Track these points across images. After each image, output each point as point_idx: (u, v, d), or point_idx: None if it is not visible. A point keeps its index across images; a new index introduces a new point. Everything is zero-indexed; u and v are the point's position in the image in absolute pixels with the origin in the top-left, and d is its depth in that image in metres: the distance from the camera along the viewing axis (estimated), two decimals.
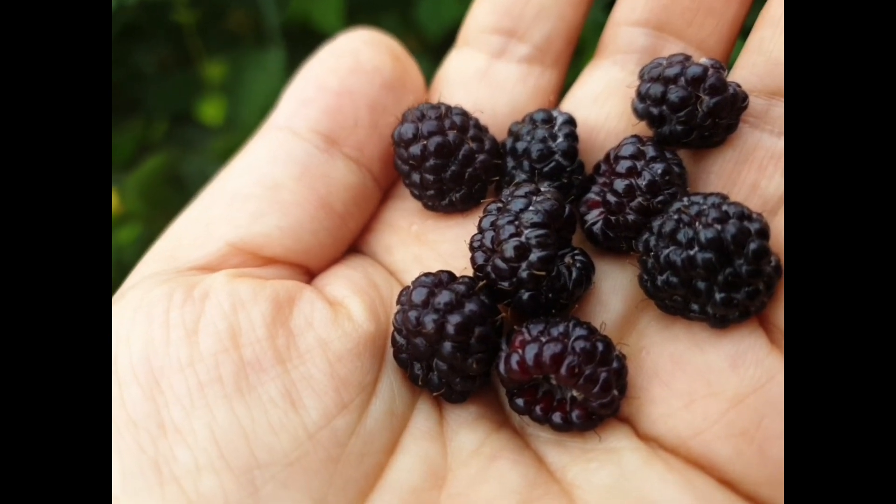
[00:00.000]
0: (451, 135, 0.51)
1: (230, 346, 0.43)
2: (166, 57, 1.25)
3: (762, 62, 0.50)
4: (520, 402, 0.46)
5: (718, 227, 0.43)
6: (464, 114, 0.53)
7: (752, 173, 0.49)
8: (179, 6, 1.09)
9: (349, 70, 0.54)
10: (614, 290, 0.50)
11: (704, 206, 0.44)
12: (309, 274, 0.53)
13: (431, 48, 1.22)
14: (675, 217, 0.45)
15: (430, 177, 0.51)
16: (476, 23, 0.58)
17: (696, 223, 0.44)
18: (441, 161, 0.51)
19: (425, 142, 0.51)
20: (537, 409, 0.46)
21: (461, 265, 0.50)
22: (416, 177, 0.52)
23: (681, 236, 0.44)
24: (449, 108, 0.53)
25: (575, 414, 0.45)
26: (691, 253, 0.43)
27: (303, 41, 1.17)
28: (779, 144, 0.49)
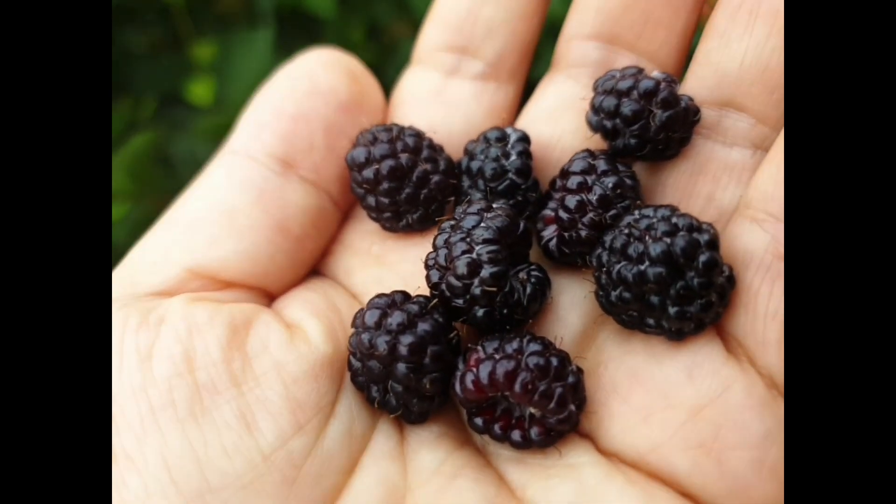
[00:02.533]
0: (404, 157, 0.51)
1: (185, 371, 0.43)
2: (156, 38, 1.25)
3: (710, 74, 0.50)
4: (478, 421, 0.46)
5: (668, 240, 0.43)
6: (417, 135, 0.53)
7: (707, 185, 0.50)
8: None
9: (304, 93, 0.54)
10: (573, 305, 0.50)
11: (654, 220, 0.44)
12: (269, 297, 0.53)
13: None
14: (626, 231, 0.45)
15: (385, 200, 0.51)
16: (427, 41, 0.58)
17: (646, 237, 0.44)
18: (395, 184, 0.51)
19: (378, 165, 0.51)
20: (496, 427, 0.46)
21: (422, 284, 0.50)
22: (371, 200, 0.52)
23: (631, 251, 0.44)
24: (402, 129, 0.53)
25: (534, 431, 0.45)
26: (642, 268, 0.43)
27: (294, 23, 1.18)
28: (731, 155, 0.50)
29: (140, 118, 1.17)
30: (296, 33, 1.19)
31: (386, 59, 1.19)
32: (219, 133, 1.04)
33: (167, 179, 1.09)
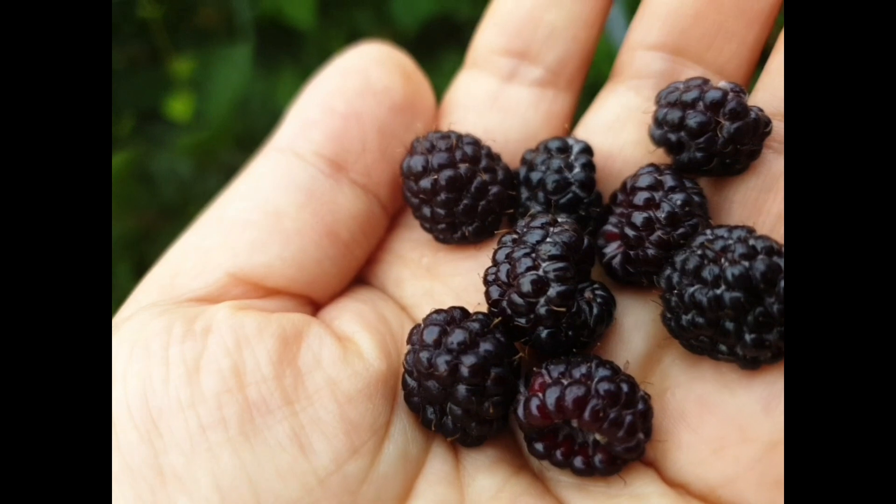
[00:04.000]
0: (463, 167, 0.49)
1: (234, 386, 0.41)
2: (135, 53, 1.25)
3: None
4: (539, 446, 0.44)
5: (746, 263, 0.41)
6: (475, 143, 0.51)
7: (778, 202, 0.47)
8: (144, 2, 1.10)
9: (357, 91, 0.52)
10: (636, 326, 0.48)
11: (730, 241, 0.42)
12: (314, 305, 0.51)
13: (406, 42, 1.21)
14: (699, 252, 0.43)
15: (441, 211, 0.49)
16: (485, 44, 0.56)
17: (722, 259, 0.42)
18: (453, 195, 0.49)
19: (436, 175, 0.49)
20: (558, 453, 0.44)
21: (475, 300, 0.48)
22: (426, 210, 0.50)
23: (706, 273, 0.42)
24: (460, 137, 0.51)
25: (598, 458, 0.43)
26: (718, 292, 0.41)
27: (273, 35, 1.18)
28: None
29: (119, 135, 1.17)
30: (275, 45, 1.19)
31: None
32: (198, 148, 1.04)
33: (148, 196, 1.08)
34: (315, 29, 1.12)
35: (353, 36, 1.22)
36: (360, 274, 0.54)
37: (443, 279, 0.51)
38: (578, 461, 0.43)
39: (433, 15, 1.13)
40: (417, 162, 0.49)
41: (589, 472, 0.43)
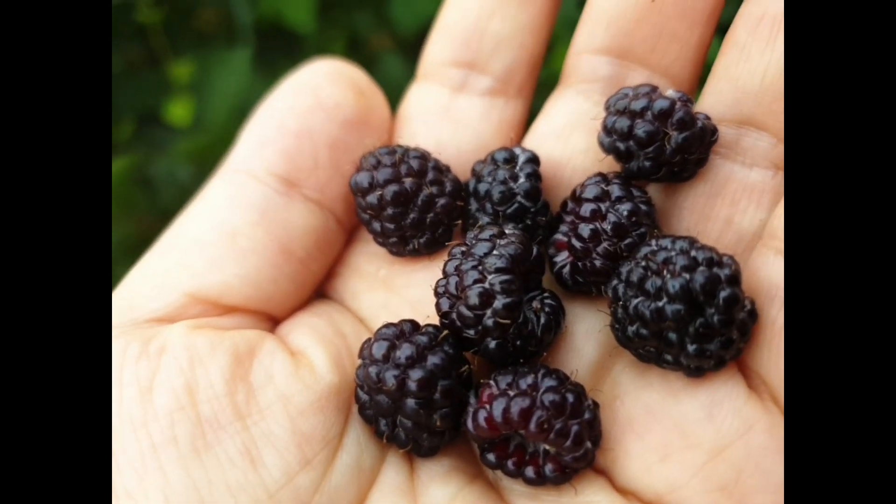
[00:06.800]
0: (408, 182, 0.49)
1: (187, 404, 0.42)
2: (134, 56, 1.23)
3: (729, 89, 0.49)
4: (491, 456, 0.45)
5: (687, 275, 0.41)
6: (422, 156, 0.51)
7: (725, 207, 0.48)
8: (143, 6, 1.08)
9: (308, 108, 0.52)
10: (587, 334, 0.48)
11: (672, 253, 0.43)
12: (272, 321, 0.51)
13: (405, 44, 1.20)
14: (643, 264, 0.43)
15: (390, 225, 0.50)
16: (434, 56, 0.56)
17: (664, 271, 0.42)
18: (399, 209, 0.49)
19: (381, 191, 0.49)
20: (509, 463, 0.45)
21: (429, 311, 0.48)
22: (376, 225, 0.50)
23: (649, 286, 0.42)
24: (406, 151, 0.51)
25: (548, 468, 0.44)
26: (660, 304, 0.42)
27: (273, 38, 1.17)
28: (751, 176, 0.48)
29: (118, 139, 1.15)
30: (275, 49, 1.18)
31: (367, 72, 1.20)
32: (198, 154, 1.03)
33: (147, 201, 1.08)
34: (314, 31, 1.11)
35: (352, 38, 1.20)
36: (320, 288, 0.54)
37: (398, 291, 0.52)
38: (529, 471, 0.44)
39: (433, 16, 1.12)
40: (363, 178, 0.49)
41: (540, 481, 0.44)
